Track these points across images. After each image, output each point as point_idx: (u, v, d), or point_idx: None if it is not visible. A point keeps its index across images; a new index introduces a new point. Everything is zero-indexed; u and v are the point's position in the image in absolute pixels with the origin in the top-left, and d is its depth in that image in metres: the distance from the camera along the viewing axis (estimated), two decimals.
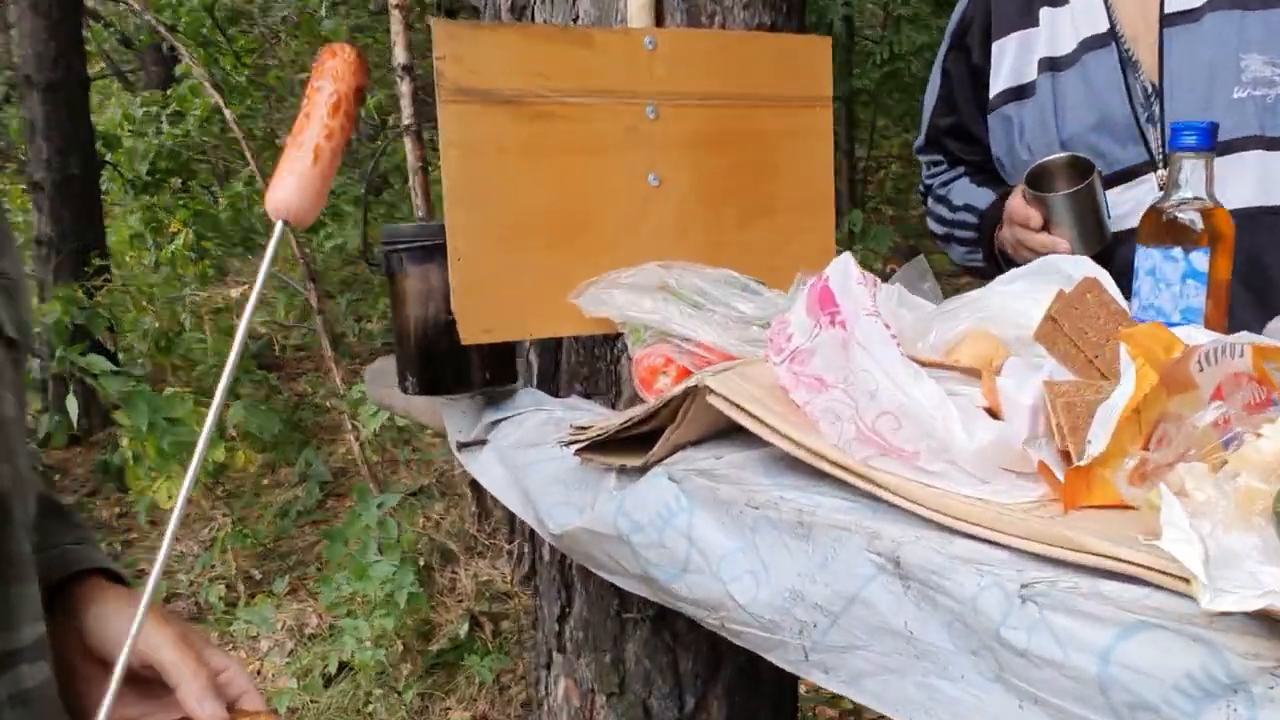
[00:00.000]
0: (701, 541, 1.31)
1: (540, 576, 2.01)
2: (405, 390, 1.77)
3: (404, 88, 3.87)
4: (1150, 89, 1.82)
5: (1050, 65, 1.91)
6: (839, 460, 1.16)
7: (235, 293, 5.20)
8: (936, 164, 2.19)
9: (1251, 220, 1.71)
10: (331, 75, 1.15)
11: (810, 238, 1.74)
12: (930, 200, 2.19)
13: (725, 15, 1.73)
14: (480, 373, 1.74)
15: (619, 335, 1.62)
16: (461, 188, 1.52)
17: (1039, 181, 1.82)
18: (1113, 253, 1.79)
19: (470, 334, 1.55)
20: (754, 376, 1.33)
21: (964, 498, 1.07)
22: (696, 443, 1.43)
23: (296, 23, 7.98)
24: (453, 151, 1.51)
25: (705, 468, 1.36)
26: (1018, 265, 1.89)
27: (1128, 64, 1.83)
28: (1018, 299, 1.33)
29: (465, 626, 3.91)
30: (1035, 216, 1.80)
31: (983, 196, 2.03)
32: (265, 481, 6.47)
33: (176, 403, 4.72)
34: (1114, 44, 1.84)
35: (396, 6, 3.71)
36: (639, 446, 1.44)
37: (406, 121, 3.89)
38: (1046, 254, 1.80)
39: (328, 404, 6.75)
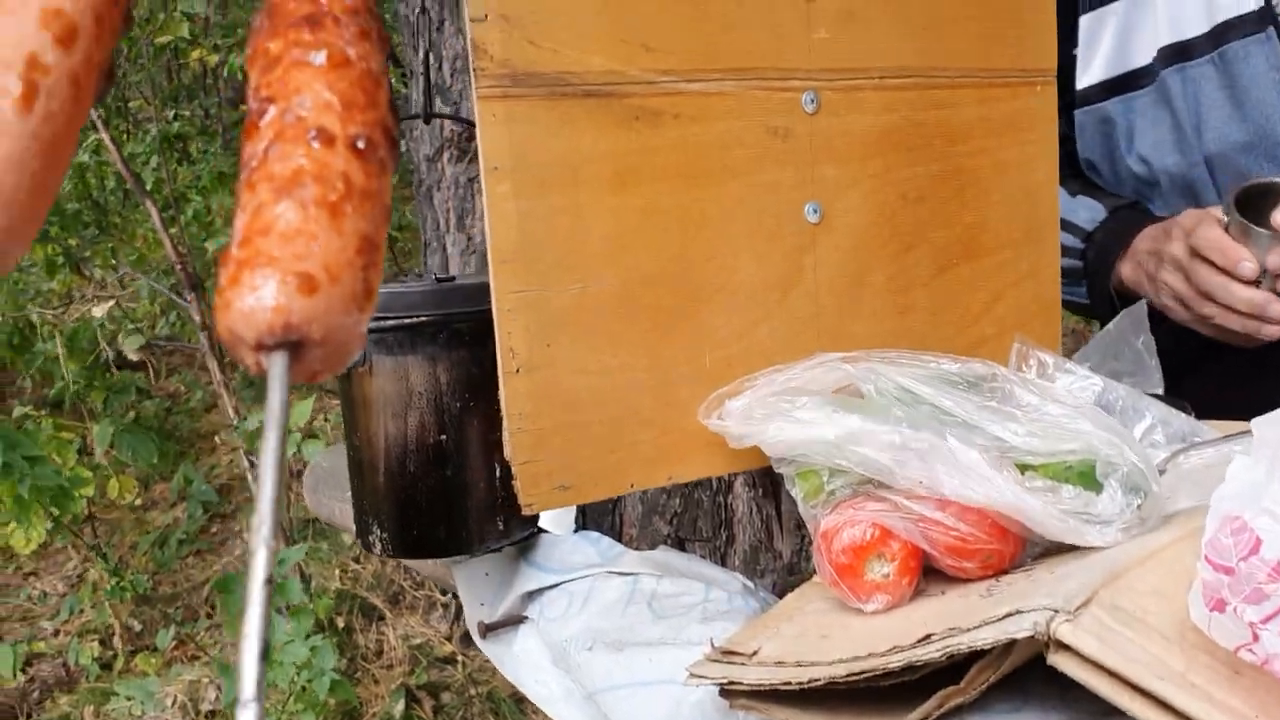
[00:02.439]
0: None
1: None
2: (371, 547, 1.10)
3: None
4: None
5: (1177, 54, 1.34)
6: None
7: (99, 311, 4.35)
8: None
9: None
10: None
11: (1028, 287, 1.12)
12: None
13: None
14: (490, 520, 1.08)
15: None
16: (519, 246, 0.86)
17: (1249, 207, 1.26)
18: None
19: (538, 496, 0.89)
20: (1139, 611, 0.71)
21: None
22: (978, 702, 0.81)
23: None
24: (503, 185, 0.85)
25: None
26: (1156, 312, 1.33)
27: None
28: None
29: (400, 704, 3.23)
30: (1248, 261, 1.22)
31: (1085, 209, 1.44)
32: (138, 502, 5.65)
33: (36, 436, 3.94)
34: (1272, 28, 1.27)
35: None
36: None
37: None
38: (1250, 315, 1.24)
39: (208, 411, 5.95)
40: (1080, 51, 1.43)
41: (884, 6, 0.99)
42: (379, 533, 1.09)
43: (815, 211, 0.99)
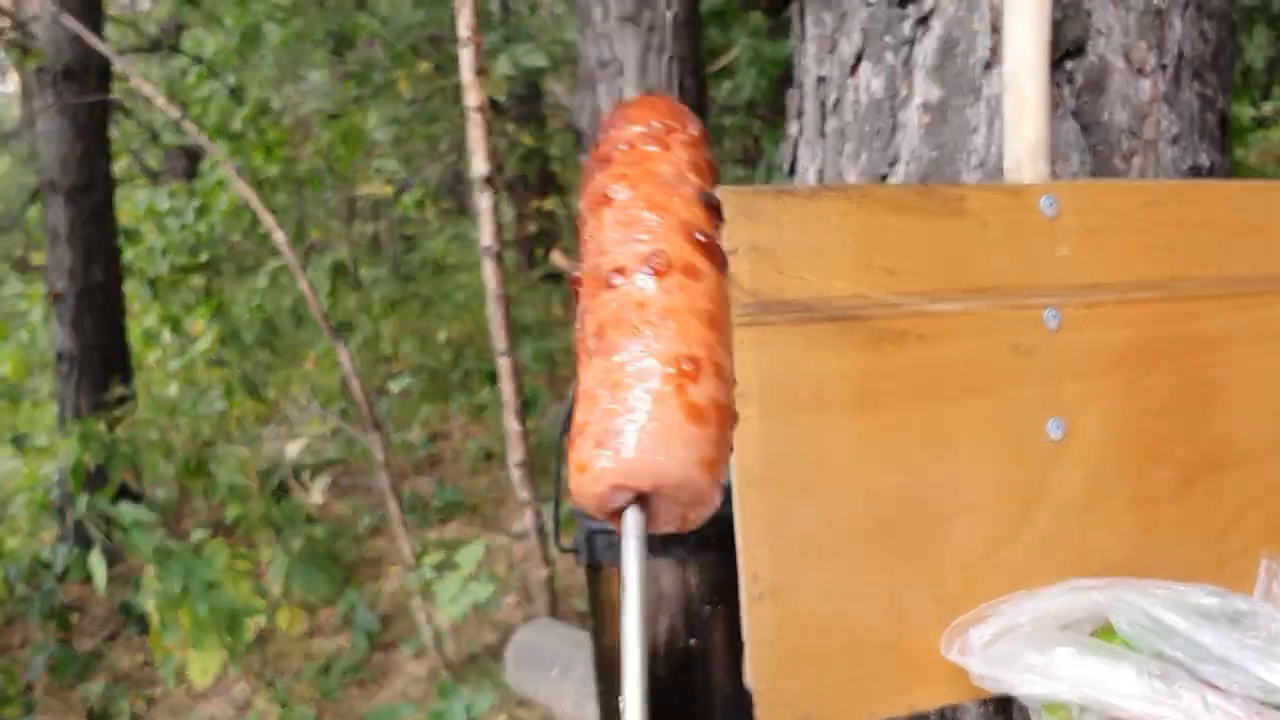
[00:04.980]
0: None
1: None
2: None
3: (484, 202, 3.25)
4: None
5: None
6: None
7: (292, 451, 4.50)
8: None
9: None
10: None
11: (1276, 501, 1.07)
12: None
13: (1146, 153, 1.08)
14: None
15: None
16: (764, 468, 0.86)
17: None
18: None
19: None
20: None
21: None
22: None
23: (333, 115, 7.43)
24: (749, 408, 0.85)
25: None
26: None
27: None
28: None
29: None
30: None
31: None
32: (301, 628, 5.76)
33: (213, 561, 4.09)
34: None
35: (477, 110, 3.09)
36: None
37: (486, 243, 3.25)
38: None
39: (372, 536, 6.10)
40: None
41: (1125, 222, 0.98)
42: None
43: (1058, 428, 0.97)
